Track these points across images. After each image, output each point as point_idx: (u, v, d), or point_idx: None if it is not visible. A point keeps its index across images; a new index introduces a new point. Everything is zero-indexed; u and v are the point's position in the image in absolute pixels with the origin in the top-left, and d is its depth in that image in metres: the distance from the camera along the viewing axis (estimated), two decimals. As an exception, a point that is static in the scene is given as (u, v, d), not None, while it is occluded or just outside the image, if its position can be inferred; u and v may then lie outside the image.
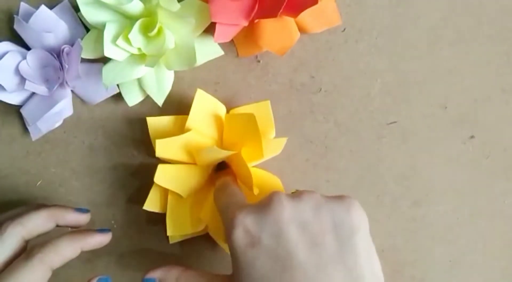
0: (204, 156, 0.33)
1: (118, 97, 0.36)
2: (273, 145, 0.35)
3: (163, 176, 0.34)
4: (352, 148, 0.37)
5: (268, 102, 0.36)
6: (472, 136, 0.38)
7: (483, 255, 0.39)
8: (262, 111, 0.35)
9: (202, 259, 0.38)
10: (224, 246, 0.36)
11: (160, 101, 0.35)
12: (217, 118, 0.35)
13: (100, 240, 0.33)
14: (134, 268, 0.38)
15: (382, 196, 0.35)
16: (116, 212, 0.38)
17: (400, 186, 0.38)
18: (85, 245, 0.32)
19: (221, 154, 0.33)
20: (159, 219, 0.37)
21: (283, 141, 0.35)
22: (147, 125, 0.35)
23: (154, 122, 0.35)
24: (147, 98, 0.36)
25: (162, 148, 0.34)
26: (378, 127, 0.37)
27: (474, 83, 0.37)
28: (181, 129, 0.35)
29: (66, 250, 0.31)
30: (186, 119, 0.34)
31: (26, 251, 0.30)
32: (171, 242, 0.37)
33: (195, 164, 0.35)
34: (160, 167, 0.34)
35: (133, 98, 0.36)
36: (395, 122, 0.37)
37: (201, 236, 0.37)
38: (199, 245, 0.38)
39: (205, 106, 0.35)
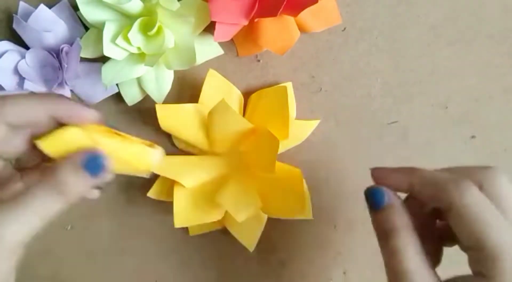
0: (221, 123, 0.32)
1: (118, 96, 0.36)
2: (299, 127, 0.35)
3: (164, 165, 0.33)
4: (353, 148, 0.37)
5: (290, 84, 0.36)
6: (473, 136, 0.37)
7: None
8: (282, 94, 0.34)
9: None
10: (243, 240, 0.36)
11: (159, 100, 0.35)
12: (230, 100, 0.35)
13: (80, 113, 0.25)
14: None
15: (382, 196, 0.34)
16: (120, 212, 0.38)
17: (401, 186, 0.38)
18: (54, 109, 0.25)
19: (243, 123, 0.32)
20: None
21: (313, 123, 0.36)
22: (146, 125, 0.35)
23: (163, 110, 0.34)
24: (147, 97, 0.36)
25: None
26: (379, 127, 0.37)
27: (475, 83, 0.37)
28: (190, 117, 0.34)
29: (27, 105, 0.24)
30: (196, 107, 0.34)
31: None
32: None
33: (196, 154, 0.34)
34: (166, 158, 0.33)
35: (132, 98, 0.36)
36: (396, 122, 0.37)
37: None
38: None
39: (216, 87, 0.34)
